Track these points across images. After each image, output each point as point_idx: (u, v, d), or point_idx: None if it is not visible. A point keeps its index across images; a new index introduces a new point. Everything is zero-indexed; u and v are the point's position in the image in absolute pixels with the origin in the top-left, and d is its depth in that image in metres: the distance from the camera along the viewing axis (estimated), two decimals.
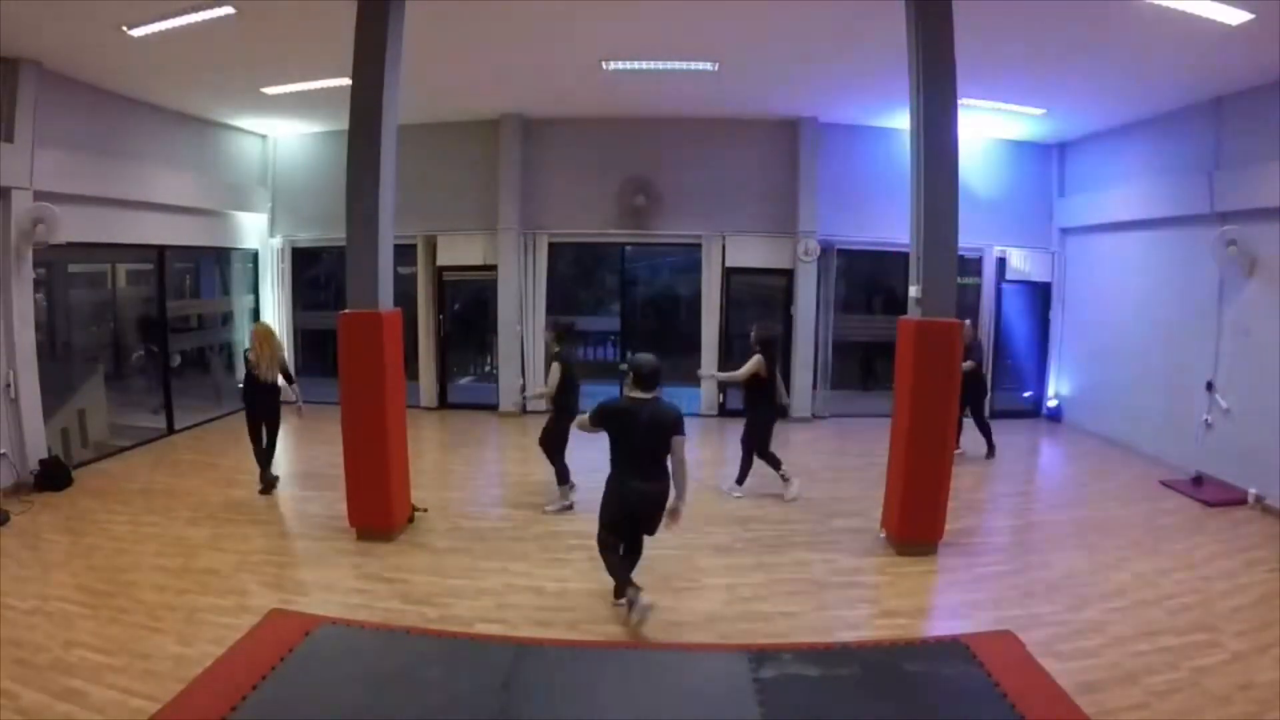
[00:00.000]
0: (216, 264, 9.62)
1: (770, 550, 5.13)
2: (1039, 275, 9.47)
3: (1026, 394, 9.74)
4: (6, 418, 6.12)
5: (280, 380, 6.28)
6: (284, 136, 9.85)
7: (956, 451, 6.97)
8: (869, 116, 8.68)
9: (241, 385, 6.28)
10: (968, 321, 7.17)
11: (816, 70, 7.00)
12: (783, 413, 6.48)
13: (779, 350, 6.34)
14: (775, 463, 6.23)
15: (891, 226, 7.90)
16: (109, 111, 7.24)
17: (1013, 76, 6.63)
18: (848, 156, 9.07)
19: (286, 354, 6.96)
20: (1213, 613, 4.18)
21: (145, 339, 8.35)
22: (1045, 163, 9.37)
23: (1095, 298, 8.81)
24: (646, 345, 10.17)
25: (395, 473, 5.25)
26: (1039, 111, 7.81)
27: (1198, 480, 6.59)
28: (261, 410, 6.25)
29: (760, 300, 9.79)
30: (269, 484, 6.25)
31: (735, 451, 6.57)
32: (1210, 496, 6.25)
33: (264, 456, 6.27)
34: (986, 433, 7.55)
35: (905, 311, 5.26)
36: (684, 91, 7.72)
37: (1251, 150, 6.26)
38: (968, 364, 6.67)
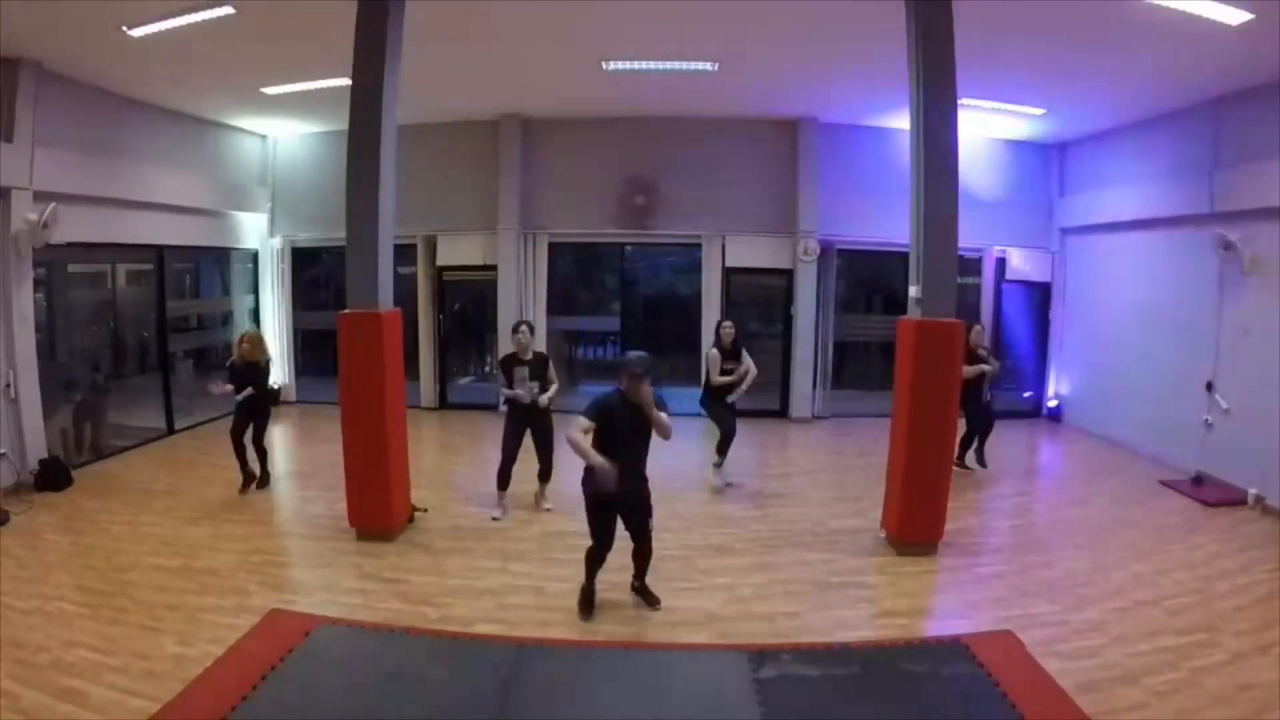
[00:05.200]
0: (216, 264, 9.62)
1: (770, 550, 5.13)
2: (1039, 275, 9.46)
3: (1026, 394, 9.74)
4: (6, 418, 6.11)
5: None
6: (284, 136, 9.84)
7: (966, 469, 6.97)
8: (869, 116, 8.68)
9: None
10: (978, 325, 7.13)
11: (816, 70, 7.00)
12: (723, 403, 6.34)
13: (720, 340, 6.32)
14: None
15: (891, 226, 7.88)
16: (109, 111, 7.24)
17: (1013, 76, 6.63)
18: (848, 156, 9.06)
19: (277, 354, 6.97)
20: (1213, 613, 4.18)
21: (94, 368, 7.56)
22: (1045, 163, 9.36)
23: (1095, 298, 8.80)
24: (646, 345, 10.21)
25: (395, 473, 5.24)
26: (1039, 111, 7.81)
27: (1198, 480, 6.59)
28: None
29: (760, 300, 9.79)
30: (260, 479, 6.34)
31: (736, 452, 6.58)
32: (1210, 496, 6.25)
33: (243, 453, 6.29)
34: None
35: (905, 311, 5.26)
36: (684, 91, 7.72)
37: (1251, 150, 6.25)
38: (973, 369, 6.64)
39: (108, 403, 7.59)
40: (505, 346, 9.03)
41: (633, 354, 3.92)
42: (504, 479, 5.75)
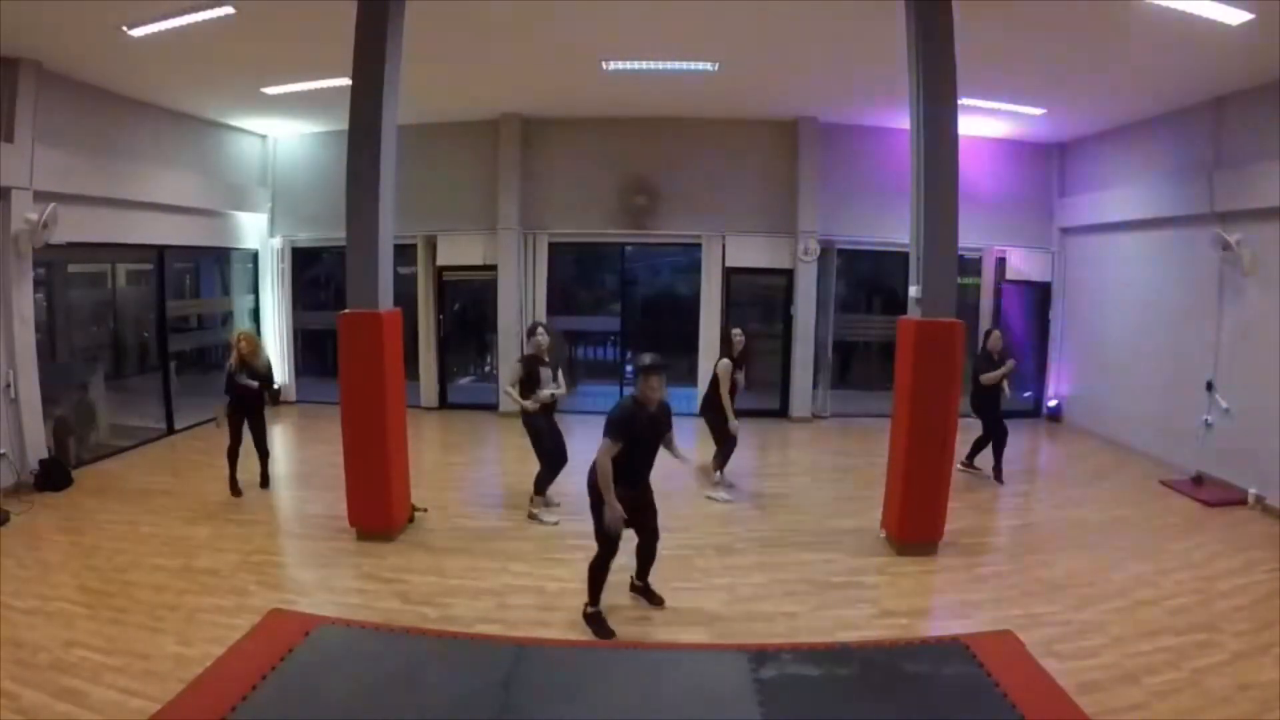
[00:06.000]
0: (216, 264, 9.62)
1: (770, 550, 5.13)
2: (1039, 275, 9.47)
3: (1026, 394, 9.74)
4: (6, 418, 6.11)
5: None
6: (284, 136, 9.84)
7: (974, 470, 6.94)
8: (869, 116, 8.67)
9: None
10: (996, 331, 7.03)
11: (816, 70, 6.99)
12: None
13: (733, 351, 6.27)
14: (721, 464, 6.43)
15: (891, 226, 7.90)
16: (109, 111, 7.24)
17: (1013, 76, 6.63)
18: (848, 156, 9.07)
19: (275, 356, 7.07)
20: (1213, 613, 4.18)
21: (82, 386, 7.27)
22: (1045, 163, 9.37)
23: (1095, 298, 8.80)
24: (646, 345, 10.22)
25: (395, 473, 5.25)
26: (1039, 111, 7.81)
27: (1198, 480, 6.59)
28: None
29: (760, 300, 9.79)
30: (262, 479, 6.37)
31: (736, 452, 6.58)
32: (1210, 496, 6.25)
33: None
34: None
35: (905, 311, 5.26)
36: (684, 91, 7.71)
37: (1251, 150, 6.25)
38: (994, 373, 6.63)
39: (95, 418, 7.39)
40: (506, 346, 9.09)
41: (647, 355, 4.00)
42: (547, 483, 5.71)
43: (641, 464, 3.99)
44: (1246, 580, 4.63)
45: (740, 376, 6.24)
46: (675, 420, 4.17)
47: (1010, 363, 6.71)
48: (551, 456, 5.66)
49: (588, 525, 4.26)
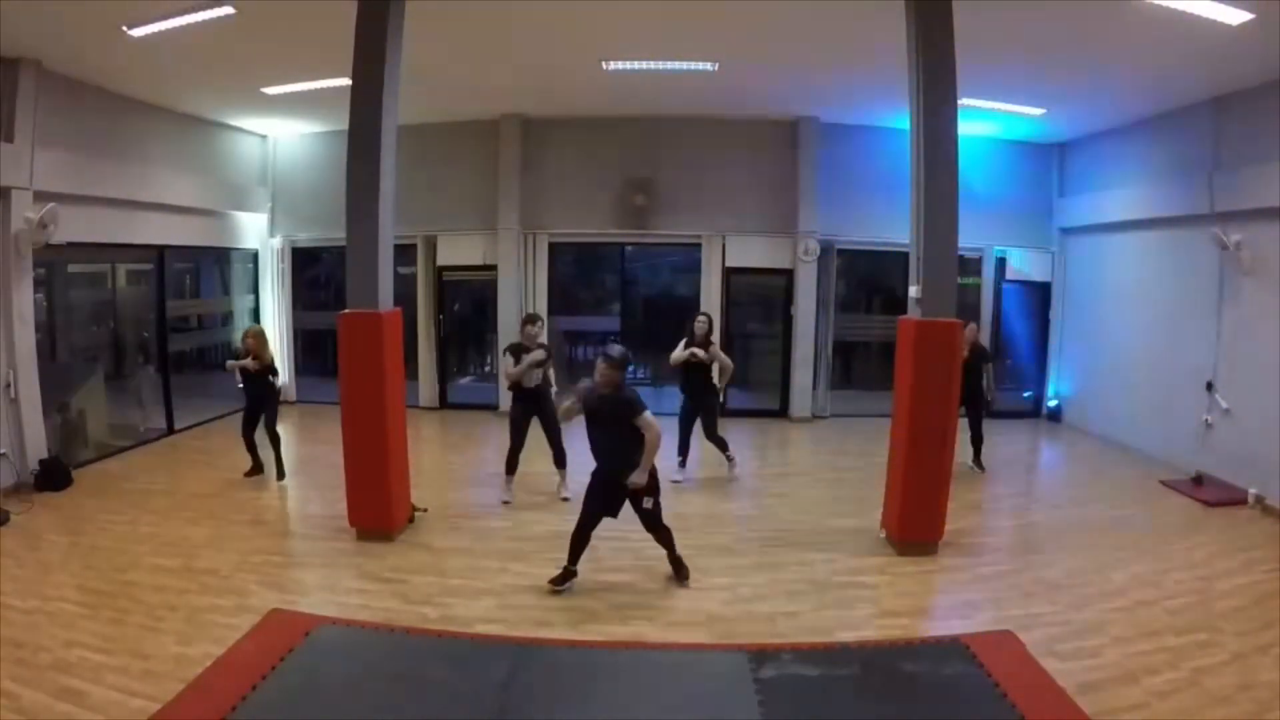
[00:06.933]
0: (216, 264, 9.62)
1: (770, 550, 5.13)
2: (1039, 275, 9.47)
3: (1026, 394, 9.74)
4: (6, 418, 6.11)
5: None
6: (284, 136, 9.84)
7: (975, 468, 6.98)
8: (869, 116, 8.67)
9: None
10: (972, 324, 7.09)
11: (816, 70, 6.99)
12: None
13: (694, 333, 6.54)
14: (724, 445, 6.61)
15: (891, 226, 7.88)
16: (109, 111, 7.24)
17: (1013, 76, 6.63)
18: (848, 156, 9.06)
19: (277, 353, 7.36)
20: (1213, 613, 4.18)
21: (62, 406, 6.85)
22: (1045, 163, 9.37)
23: (1095, 298, 8.80)
24: (646, 345, 10.24)
25: (395, 473, 5.24)
26: (1039, 111, 7.81)
27: (1198, 480, 6.59)
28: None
29: (760, 300, 9.79)
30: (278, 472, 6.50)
31: (735, 453, 6.60)
32: (1210, 496, 6.24)
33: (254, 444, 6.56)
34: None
35: (905, 311, 5.26)
36: (684, 91, 7.71)
37: (1251, 150, 6.25)
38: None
39: (84, 433, 7.22)
40: (507, 345, 9.06)
41: (614, 346, 4.38)
42: (512, 465, 5.98)
43: (597, 439, 4.31)
44: (1246, 580, 4.62)
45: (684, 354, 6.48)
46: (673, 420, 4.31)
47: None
48: (512, 440, 5.96)
49: None
